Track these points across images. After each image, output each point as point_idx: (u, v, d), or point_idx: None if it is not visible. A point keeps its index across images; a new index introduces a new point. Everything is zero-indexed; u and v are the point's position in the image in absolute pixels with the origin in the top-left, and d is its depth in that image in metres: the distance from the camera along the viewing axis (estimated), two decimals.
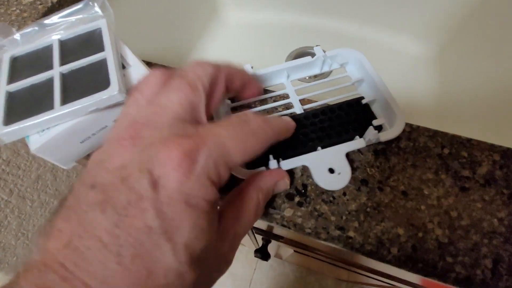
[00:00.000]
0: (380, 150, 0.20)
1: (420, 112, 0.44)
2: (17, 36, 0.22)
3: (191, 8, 0.53)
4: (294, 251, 0.61)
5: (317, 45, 0.22)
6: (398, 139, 0.21)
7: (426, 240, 0.18)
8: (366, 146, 0.21)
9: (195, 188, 0.12)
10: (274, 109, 0.22)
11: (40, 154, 0.19)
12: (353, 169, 0.20)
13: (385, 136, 0.19)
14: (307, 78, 0.24)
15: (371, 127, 0.19)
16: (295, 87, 0.22)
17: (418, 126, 0.21)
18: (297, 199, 0.19)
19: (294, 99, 0.22)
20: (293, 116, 0.20)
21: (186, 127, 0.14)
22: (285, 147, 0.19)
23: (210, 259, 0.13)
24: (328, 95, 0.22)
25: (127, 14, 0.41)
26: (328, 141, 0.19)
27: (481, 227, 0.18)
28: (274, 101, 0.22)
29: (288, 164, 0.19)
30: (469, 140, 0.20)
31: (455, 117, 0.41)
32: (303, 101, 0.22)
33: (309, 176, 0.20)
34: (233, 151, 0.13)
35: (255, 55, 0.53)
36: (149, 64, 0.26)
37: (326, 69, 0.22)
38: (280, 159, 0.19)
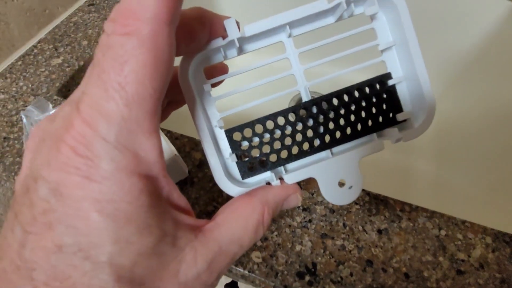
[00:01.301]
0: (383, 229, 0.22)
1: (419, 155, 0.47)
2: (52, 112, 0.24)
3: None
4: None
5: None
6: (399, 218, 0.23)
7: None
8: (370, 225, 0.22)
9: (105, 191, 0.09)
10: (271, 90, 0.15)
11: None
12: (359, 249, 0.22)
13: (409, 136, 0.15)
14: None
15: (395, 128, 0.15)
16: (300, 50, 0.15)
17: (417, 207, 0.23)
18: (307, 278, 0.21)
19: (297, 70, 0.15)
20: (299, 105, 0.15)
21: (75, 111, 0.10)
22: (290, 150, 0.15)
23: (168, 274, 0.11)
24: (342, 63, 0.16)
25: None
26: (341, 142, 0.15)
27: None
28: (269, 73, 0.16)
29: (293, 177, 0.14)
30: (464, 222, 0.22)
31: (451, 158, 0.44)
32: (309, 74, 0.15)
33: (318, 253, 0.21)
34: (124, 107, 0.09)
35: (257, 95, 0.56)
36: (169, 133, 0.28)
37: (346, 16, 0.15)
38: (283, 170, 0.15)
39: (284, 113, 0.15)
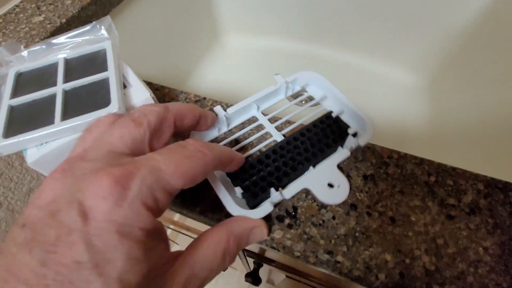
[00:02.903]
0: (369, 175, 0.21)
1: (413, 138, 0.46)
2: (24, 53, 0.23)
3: (193, 33, 0.55)
4: (286, 276, 0.59)
5: (276, 74, 0.23)
6: (386, 165, 0.22)
7: (414, 267, 0.18)
8: (355, 171, 0.21)
9: (127, 216, 0.12)
10: (254, 143, 0.23)
11: (36, 167, 0.19)
12: None
13: (363, 140, 0.21)
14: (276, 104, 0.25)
15: (349, 136, 0.21)
16: (267, 117, 0.23)
17: (406, 154, 0.22)
18: (287, 221, 0.19)
19: (270, 128, 0.23)
20: (276, 144, 0.21)
21: (121, 158, 0.14)
22: (280, 177, 0.19)
23: None
24: (299, 116, 0.24)
25: (131, 36, 0.43)
26: (316, 159, 0.20)
27: (467, 256, 0.18)
28: (251, 134, 0.23)
29: (290, 191, 0.19)
30: (454, 168, 0.21)
31: (446, 143, 0.42)
32: (278, 128, 0.23)
33: (299, 198, 0.20)
34: (169, 175, 0.13)
35: (253, 79, 0.55)
36: (150, 84, 0.27)
37: (290, 93, 0.24)
38: (280, 189, 0.19)
39: (268, 152, 0.20)
